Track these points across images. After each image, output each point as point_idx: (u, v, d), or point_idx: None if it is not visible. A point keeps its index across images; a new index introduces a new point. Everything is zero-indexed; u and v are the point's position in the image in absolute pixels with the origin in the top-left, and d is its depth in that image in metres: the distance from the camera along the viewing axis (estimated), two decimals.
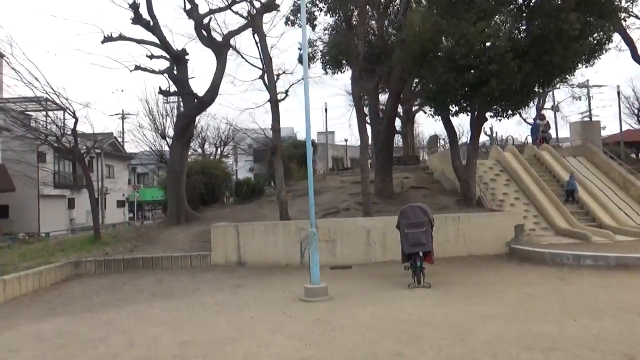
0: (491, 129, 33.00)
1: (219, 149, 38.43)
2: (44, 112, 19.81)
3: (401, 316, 6.47)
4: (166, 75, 15.71)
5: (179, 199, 15.49)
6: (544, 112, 22.69)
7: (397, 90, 15.52)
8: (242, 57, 14.35)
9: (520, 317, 6.17)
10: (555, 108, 30.94)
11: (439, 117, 14.91)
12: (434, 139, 27.59)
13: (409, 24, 12.04)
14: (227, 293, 8.75)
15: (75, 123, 14.18)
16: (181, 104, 32.35)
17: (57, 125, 15.21)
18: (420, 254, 8.35)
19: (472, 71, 11.43)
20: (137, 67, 15.12)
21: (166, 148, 29.09)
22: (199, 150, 35.94)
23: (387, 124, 15.65)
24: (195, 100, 15.91)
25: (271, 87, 12.99)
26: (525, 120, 33.39)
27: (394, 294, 8.01)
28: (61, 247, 13.44)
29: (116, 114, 42.03)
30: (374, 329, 5.87)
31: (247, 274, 10.72)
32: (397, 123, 25.21)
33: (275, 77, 13.33)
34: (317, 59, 16.85)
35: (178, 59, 15.62)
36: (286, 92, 13.96)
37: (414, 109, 29.95)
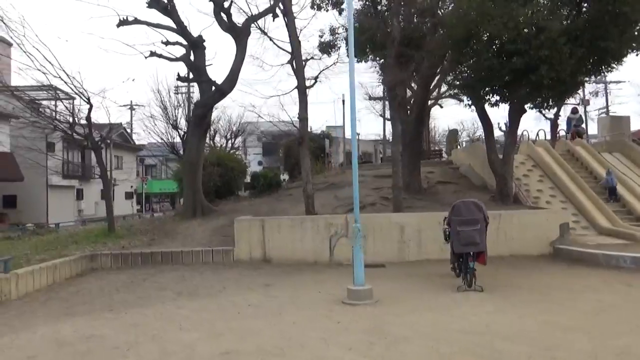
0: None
1: (229, 141, 37.67)
2: (56, 99, 19.15)
3: (466, 325, 5.72)
4: (182, 62, 14.95)
5: (195, 191, 14.78)
6: (575, 105, 21.80)
7: (428, 79, 14.69)
8: (270, 39, 13.45)
9: (606, 329, 5.41)
10: (585, 102, 29.92)
11: (472, 108, 14.08)
12: (454, 133, 26.77)
13: (455, 5, 11.19)
14: (257, 293, 8.04)
15: (90, 110, 13.53)
16: (192, 94, 31.93)
17: (69, 112, 14.51)
18: (472, 253, 7.62)
19: (516, 57, 10.57)
20: (153, 54, 14.38)
21: (177, 139, 28.46)
22: (209, 142, 35.18)
23: (417, 115, 14.82)
24: (213, 88, 15.15)
25: (299, 73, 12.20)
26: (544, 115, 32.42)
27: (445, 297, 7.26)
28: (74, 239, 12.82)
29: (125, 105, 41.49)
30: (443, 341, 5.13)
31: (274, 271, 10.03)
32: None
33: (303, 63, 12.53)
34: (339, 47, 16.04)
35: (195, 45, 14.86)
36: (316, 78, 13.16)
37: (430, 102, 29.06)
